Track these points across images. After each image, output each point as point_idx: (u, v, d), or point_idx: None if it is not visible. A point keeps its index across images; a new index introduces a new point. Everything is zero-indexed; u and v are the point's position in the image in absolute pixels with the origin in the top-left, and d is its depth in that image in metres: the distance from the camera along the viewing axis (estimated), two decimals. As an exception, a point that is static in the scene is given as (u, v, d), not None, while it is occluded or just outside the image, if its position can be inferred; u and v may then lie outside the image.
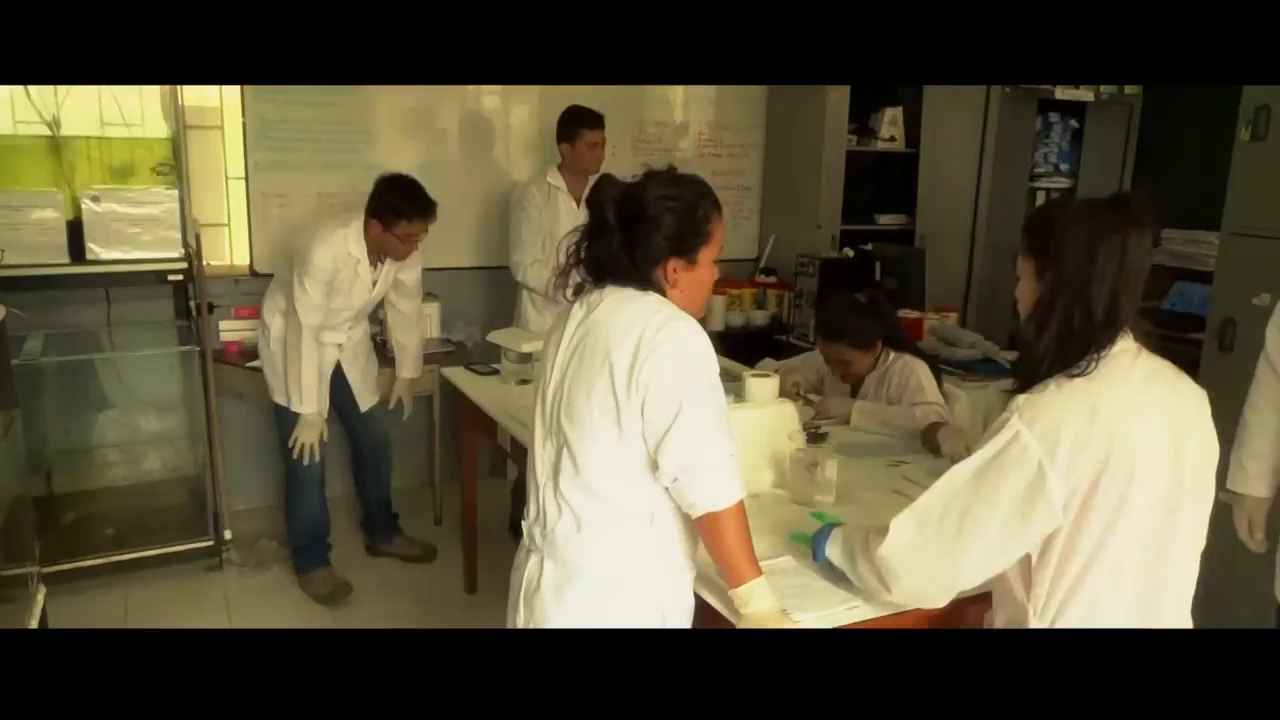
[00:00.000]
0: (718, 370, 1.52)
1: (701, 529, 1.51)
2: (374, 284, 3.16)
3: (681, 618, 1.60)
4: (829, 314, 2.73)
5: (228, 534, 3.43)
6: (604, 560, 1.55)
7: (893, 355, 2.65)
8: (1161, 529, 1.35)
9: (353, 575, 3.34)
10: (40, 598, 2.45)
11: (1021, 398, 1.34)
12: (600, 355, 1.50)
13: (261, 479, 3.85)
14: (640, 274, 1.54)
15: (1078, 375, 1.32)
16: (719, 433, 1.48)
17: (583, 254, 1.58)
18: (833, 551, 1.62)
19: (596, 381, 1.49)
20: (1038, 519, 1.31)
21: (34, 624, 2.34)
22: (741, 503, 1.49)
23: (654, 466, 1.48)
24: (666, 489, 1.50)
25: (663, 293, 1.55)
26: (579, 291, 1.61)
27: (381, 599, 3.25)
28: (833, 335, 2.65)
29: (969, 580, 1.41)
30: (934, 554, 1.40)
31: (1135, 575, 1.35)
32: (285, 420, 3.16)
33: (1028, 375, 1.37)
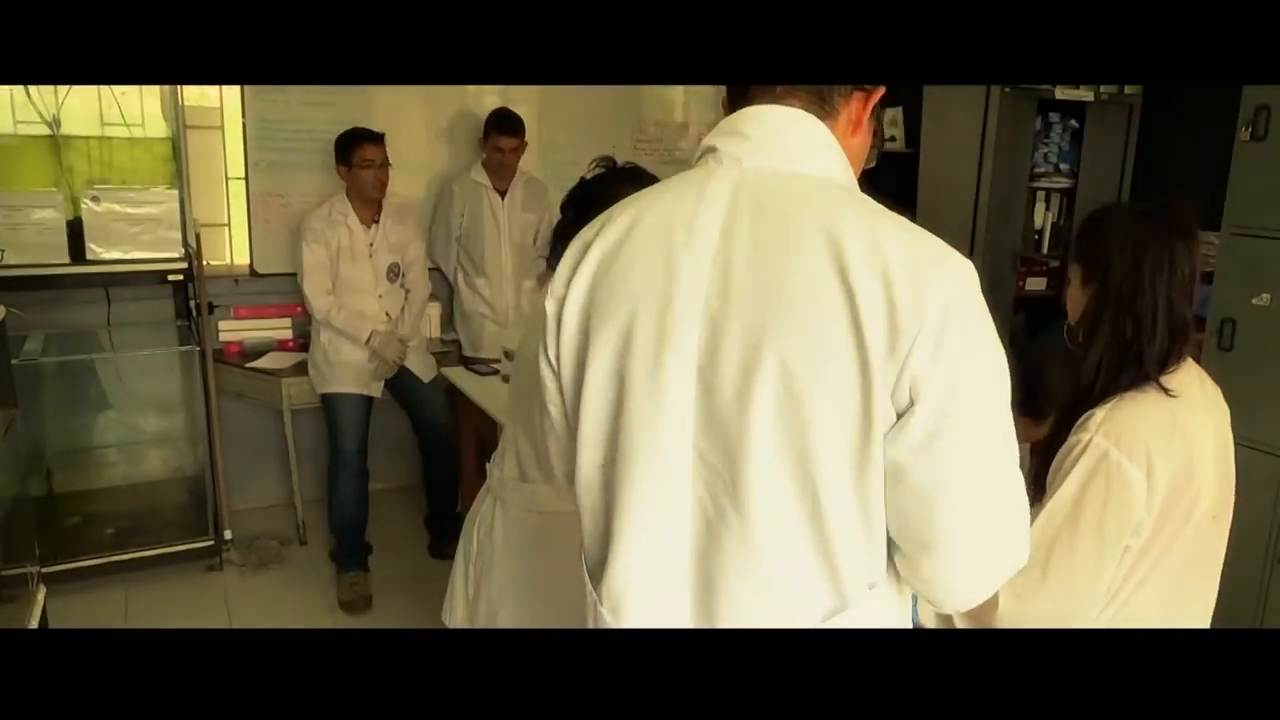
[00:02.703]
0: None
1: None
2: (371, 245, 3.27)
3: None
4: None
5: (228, 534, 3.43)
6: (538, 511, 1.68)
7: None
8: (1208, 538, 1.34)
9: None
10: (40, 598, 2.45)
11: (1100, 414, 1.30)
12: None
13: (261, 479, 3.85)
14: None
15: (1150, 387, 1.29)
16: None
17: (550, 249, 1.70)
18: (925, 616, 1.53)
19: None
20: (1128, 533, 1.28)
21: (34, 624, 2.34)
22: None
23: None
24: None
25: None
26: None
27: (391, 599, 3.25)
28: None
29: (1094, 610, 1.36)
30: (1051, 601, 1.34)
31: (1182, 584, 1.34)
32: (331, 408, 3.28)
33: (1084, 386, 1.33)
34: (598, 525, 1.00)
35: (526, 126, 3.67)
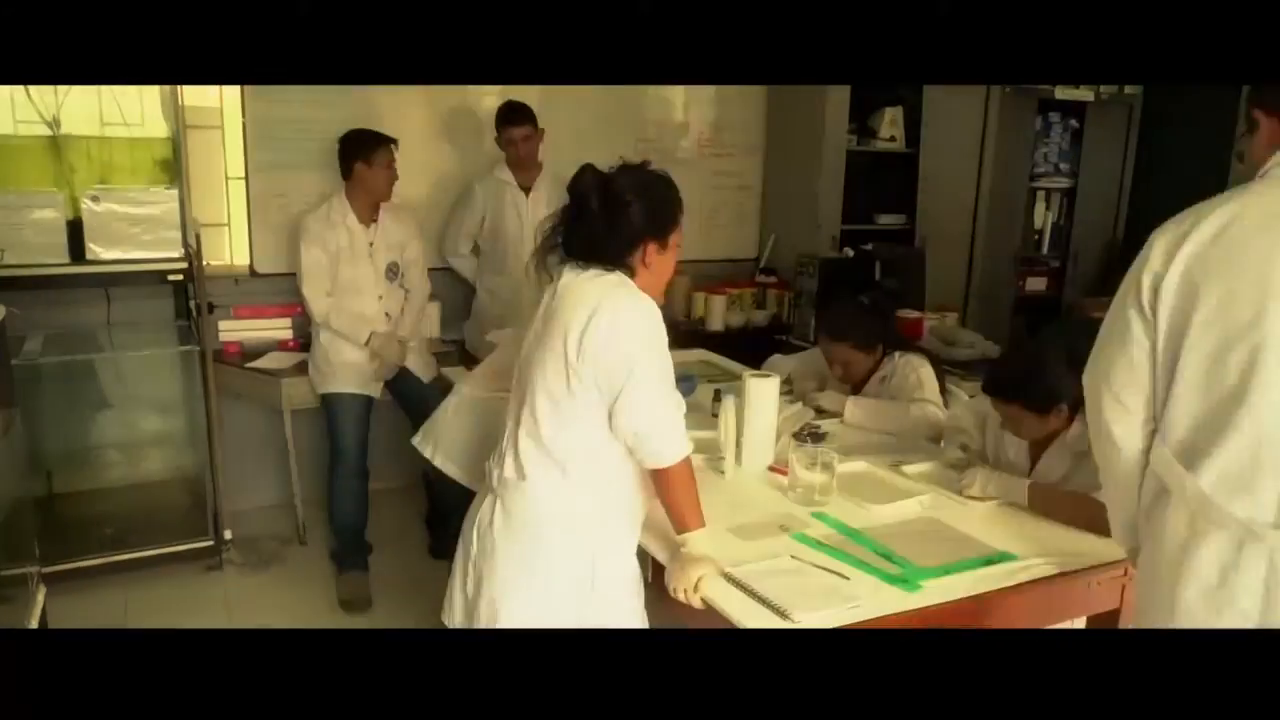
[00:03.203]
0: (666, 341, 1.68)
1: (655, 482, 1.70)
2: (370, 245, 3.26)
3: (616, 582, 1.72)
4: (833, 315, 2.74)
5: (228, 534, 3.42)
6: (536, 511, 1.69)
7: (897, 355, 2.66)
8: None
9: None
10: (40, 598, 2.45)
11: None
12: (559, 323, 1.64)
13: (261, 479, 3.85)
14: (617, 254, 1.68)
15: None
16: (666, 397, 1.66)
17: (558, 238, 1.72)
18: None
19: (553, 346, 1.65)
20: None
21: (34, 624, 2.34)
22: (688, 459, 1.69)
23: (610, 426, 1.65)
24: (629, 448, 1.66)
25: (633, 274, 1.69)
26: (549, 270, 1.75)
27: (391, 599, 3.25)
28: (836, 336, 2.66)
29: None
30: None
31: None
32: (331, 408, 3.27)
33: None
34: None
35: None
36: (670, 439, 1.66)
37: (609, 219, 1.66)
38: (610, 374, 1.61)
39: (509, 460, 1.72)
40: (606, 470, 1.70)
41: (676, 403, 1.68)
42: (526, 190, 3.69)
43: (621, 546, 1.75)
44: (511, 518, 1.71)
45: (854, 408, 2.60)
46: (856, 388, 2.71)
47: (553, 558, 1.69)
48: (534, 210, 3.70)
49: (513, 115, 3.58)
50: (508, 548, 1.70)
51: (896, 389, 2.60)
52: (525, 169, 3.68)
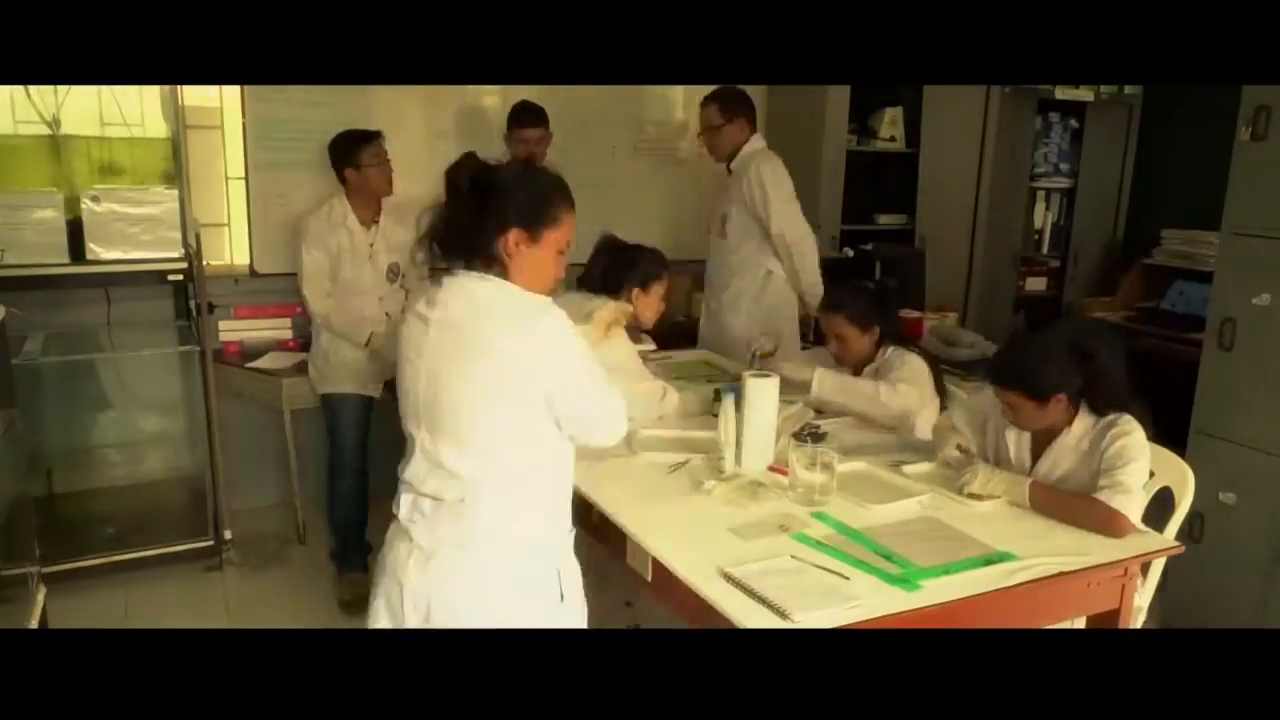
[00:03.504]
0: (583, 341, 1.66)
1: None
2: (371, 246, 3.26)
3: (574, 579, 1.68)
4: (833, 290, 2.80)
5: (228, 534, 3.42)
6: (492, 534, 1.60)
7: (892, 349, 2.66)
8: None
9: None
10: (40, 598, 2.45)
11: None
12: (478, 344, 1.56)
13: (261, 479, 3.85)
14: (482, 243, 1.60)
15: None
16: (602, 389, 1.65)
17: (437, 236, 1.67)
18: None
19: (480, 365, 1.56)
20: None
21: (34, 624, 2.34)
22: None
23: (558, 425, 1.62)
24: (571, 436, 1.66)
25: (503, 270, 1.61)
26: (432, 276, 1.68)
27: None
28: (833, 307, 2.70)
29: None
30: None
31: None
32: (331, 409, 3.28)
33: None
34: None
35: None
36: (614, 427, 1.70)
37: (476, 203, 1.61)
38: (558, 385, 1.58)
39: (435, 483, 1.60)
40: (546, 474, 1.66)
41: (610, 392, 1.68)
42: None
43: (568, 545, 1.70)
44: (455, 544, 1.60)
45: (823, 379, 2.58)
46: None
47: (517, 580, 1.62)
48: None
49: (526, 117, 3.57)
50: (441, 579, 1.60)
51: (881, 377, 2.61)
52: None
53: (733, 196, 3.38)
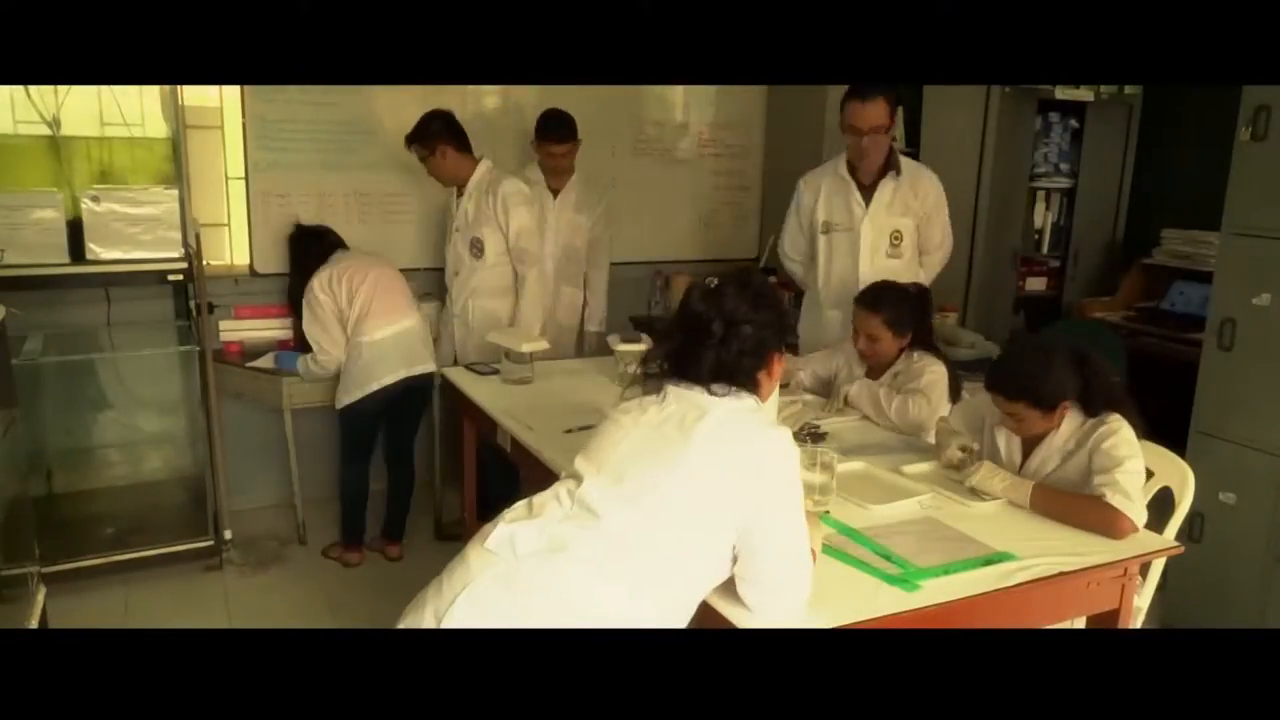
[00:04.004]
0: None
1: None
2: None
3: None
4: (874, 287, 2.77)
5: (228, 534, 3.43)
6: (567, 595, 1.48)
7: (916, 354, 2.67)
8: None
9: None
10: (40, 598, 2.45)
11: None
12: (702, 454, 1.49)
13: (261, 479, 3.85)
14: (750, 372, 1.59)
15: None
16: (804, 545, 1.54)
17: (673, 357, 1.60)
18: None
19: (681, 469, 1.48)
20: None
21: (34, 624, 2.34)
22: None
23: (733, 562, 1.51)
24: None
25: (758, 388, 1.61)
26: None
27: (384, 598, 3.25)
28: (871, 307, 2.70)
29: None
30: None
31: None
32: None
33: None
34: None
35: (526, 126, 3.67)
36: (793, 605, 1.52)
37: (738, 341, 1.56)
38: (761, 523, 1.49)
39: (569, 526, 1.50)
40: (672, 604, 1.51)
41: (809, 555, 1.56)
42: (555, 192, 3.73)
43: None
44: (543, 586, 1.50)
45: (860, 390, 2.68)
46: (872, 376, 2.74)
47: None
48: (560, 213, 3.73)
49: (555, 131, 3.58)
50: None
51: (902, 384, 2.63)
52: (558, 175, 3.71)
53: (905, 207, 3.15)
